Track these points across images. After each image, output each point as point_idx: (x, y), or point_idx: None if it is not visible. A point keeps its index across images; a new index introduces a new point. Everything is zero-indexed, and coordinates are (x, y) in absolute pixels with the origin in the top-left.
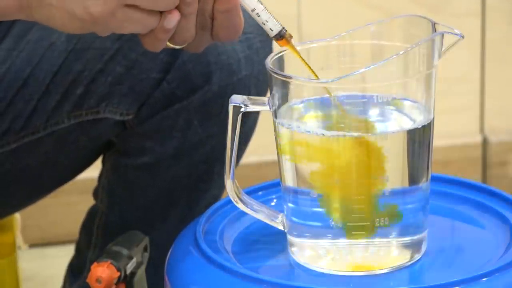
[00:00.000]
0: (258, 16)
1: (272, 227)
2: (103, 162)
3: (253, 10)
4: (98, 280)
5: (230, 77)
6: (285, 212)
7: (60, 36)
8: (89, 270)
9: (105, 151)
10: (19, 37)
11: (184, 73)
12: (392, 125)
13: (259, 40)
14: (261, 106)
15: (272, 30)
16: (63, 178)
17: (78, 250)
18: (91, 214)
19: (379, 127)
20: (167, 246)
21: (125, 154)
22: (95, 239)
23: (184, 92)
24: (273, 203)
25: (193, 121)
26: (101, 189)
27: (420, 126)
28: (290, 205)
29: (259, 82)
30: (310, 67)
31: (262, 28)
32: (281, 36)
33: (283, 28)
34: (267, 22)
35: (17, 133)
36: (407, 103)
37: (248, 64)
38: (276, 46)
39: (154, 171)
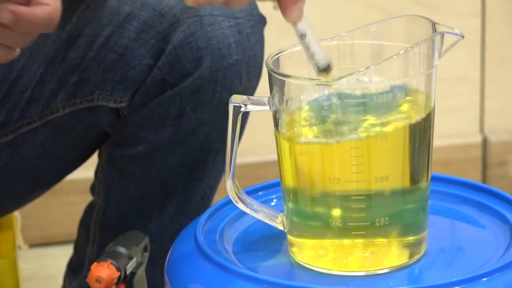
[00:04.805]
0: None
1: (272, 227)
2: (99, 155)
3: (302, 37)
4: (98, 280)
5: (221, 62)
6: (285, 212)
7: None
8: (88, 267)
9: (101, 145)
10: None
11: (175, 58)
12: (392, 124)
13: (249, 25)
14: (261, 106)
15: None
16: (60, 171)
17: (76, 248)
18: (89, 210)
19: (379, 126)
20: (164, 238)
21: (120, 144)
22: (93, 234)
23: (175, 78)
24: (273, 203)
25: (186, 108)
26: (98, 183)
27: (420, 126)
28: (290, 205)
29: (250, 68)
30: None
31: (252, 13)
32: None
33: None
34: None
35: (13, 124)
36: (407, 103)
37: (239, 49)
38: (266, 32)
39: (149, 161)
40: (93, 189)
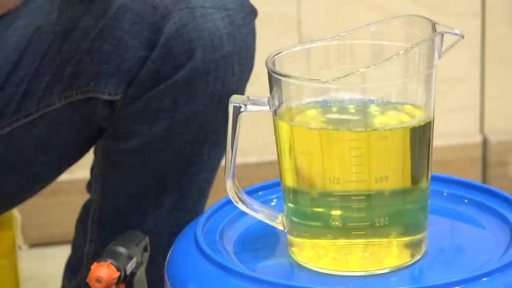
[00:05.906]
0: None
1: (272, 227)
2: (95, 152)
3: None
4: (98, 280)
5: (213, 53)
6: (285, 212)
7: (47, 19)
8: (86, 265)
9: (97, 140)
10: (7, 25)
11: (167, 50)
12: (392, 125)
13: (241, 17)
14: (261, 106)
15: None
16: (55, 167)
17: (74, 247)
18: (86, 208)
19: (379, 126)
20: (162, 234)
21: (115, 139)
22: (90, 233)
23: (168, 70)
24: (273, 203)
25: (179, 101)
26: (94, 180)
27: (420, 126)
28: (290, 205)
29: (242, 60)
30: None
31: (243, 5)
32: None
33: None
34: None
35: (9, 117)
36: (407, 103)
37: (231, 40)
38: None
39: (144, 155)
40: (89, 186)
